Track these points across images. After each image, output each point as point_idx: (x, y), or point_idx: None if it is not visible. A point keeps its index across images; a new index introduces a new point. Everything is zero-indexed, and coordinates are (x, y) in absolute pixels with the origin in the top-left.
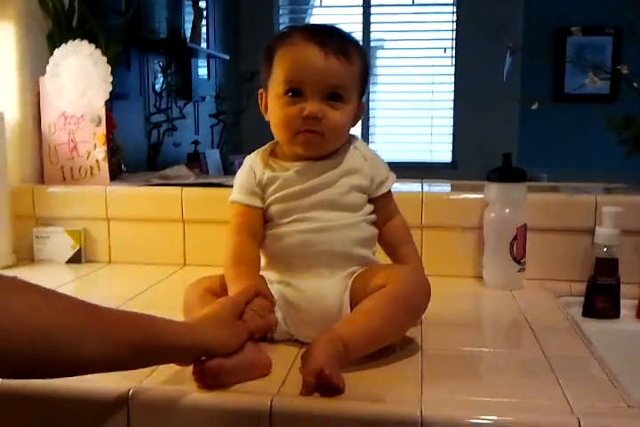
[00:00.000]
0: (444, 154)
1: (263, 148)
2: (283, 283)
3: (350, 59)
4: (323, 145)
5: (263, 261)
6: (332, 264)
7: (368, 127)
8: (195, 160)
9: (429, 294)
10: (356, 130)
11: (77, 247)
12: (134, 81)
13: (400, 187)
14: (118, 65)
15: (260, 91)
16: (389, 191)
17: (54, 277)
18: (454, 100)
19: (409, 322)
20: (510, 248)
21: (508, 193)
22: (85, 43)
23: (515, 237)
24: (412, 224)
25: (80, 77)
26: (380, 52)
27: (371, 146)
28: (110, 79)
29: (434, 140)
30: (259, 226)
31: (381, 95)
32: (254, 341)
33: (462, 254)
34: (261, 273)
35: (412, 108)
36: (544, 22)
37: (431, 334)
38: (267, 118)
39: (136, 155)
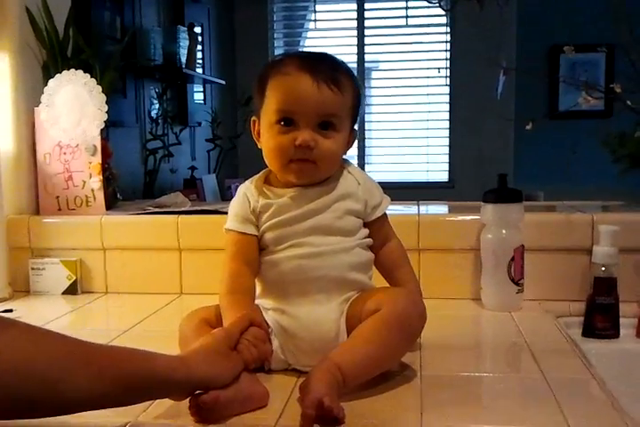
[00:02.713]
0: (440, 173)
1: (257, 175)
2: (278, 310)
3: (342, 87)
4: (315, 173)
5: (259, 288)
6: (327, 290)
7: (364, 148)
8: (191, 186)
9: (425, 317)
10: (352, 151)
11: (73, 278)
12: (130, 108)
13: (396, 209)
14: (114, 92)
15: (253, 118)
16: (384, 215)
17: (50, 309)
18: (450, 119)
19: (405, 346)
20: (508, 269)
21: (505, 214)
22: (80, 72)
23: (512, 259)
24: (409, 246)
25: (75, 107)
26: (374, 74)
27: (367, 167)
28: (105, 108)
29: (430, 160)
30: (254, 254)
31: (377, 116)
32: (250, 371)
33: (460, 276)
34: (257, 302)
35: (408, 129)
36: (537, 40)
37: (430, 359)
38: (259, 145)
39: (133, 182)
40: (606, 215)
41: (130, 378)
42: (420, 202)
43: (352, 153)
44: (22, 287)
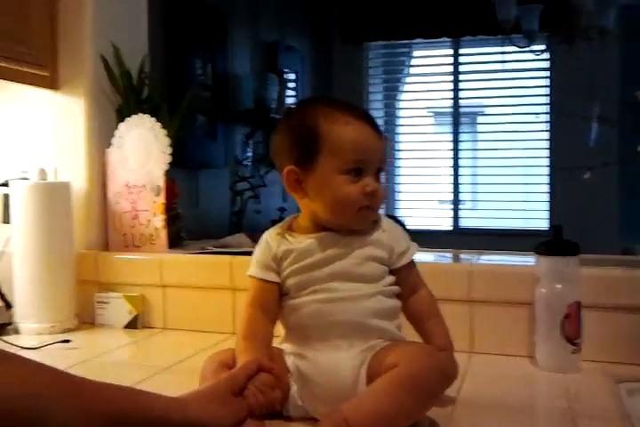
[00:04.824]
0: (539, 221)
1: (280, 223)
2: (298, 355)
3: (383, 135)
4: (372, 219)
5: (282, 333)
6: (348, 336)
7: (458, 193)
8: None
9: (450, 375)
10: (448, 196)
11: (135, 313)
12: (220, 150)
13: (448, 258)
14: (204, 136)
15: (290, 168)
16: (412, 262)
17: (108, 342)
18: (550, 165)
19: (421, 406)
20: (562, 327)
21: (559, 267)
22: (147, 116)
23: (566, 316)
24: (460, 298)
25: (141, 149)
26: (471, 118)
27: (460, 213)
28: (169, 151)
29: (529, 207)
30: (273, 301)
31: (469, 161)
32: (258, 418)
33: (515, 332)
34: (280, 346)
35: (505, 175)
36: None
37: (461, 417)
38: (297, 196)
39: (220, 221)
40: None
41: (121, 415)
42: (484, 251)
43: (447, 198)
44: (88, 319)
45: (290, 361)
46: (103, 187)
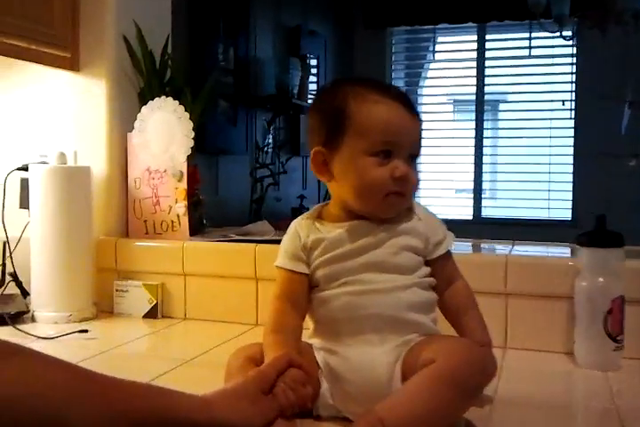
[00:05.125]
0: (563, 211)
1: (309, 211)
2: (328, 351)
3: (419, 116)
4: (404, 206)
5: (311, 327)
6: (381, 330)
7: (481, 182)
8: (298, 214)
9: (489, 372)
10: (468, 184)
11: (154, 302)
12: (241, 136)
13: (486, 248)
14: (225, 121)
15: (318, 149)
16: (448, 252)
17: (127, 332)
18: (574, 154)
19: (460, 405)
20: (604, 323)
21: (602, 260)
22: (170, 99)
23: (609, 311)
24: (495, 291)
25: (164, 133)
26: (495, 106)
27: (484, 202)
28: (192, 135)
29: (552, 197)
30: (302, 293)
31: (495, 149)
32: (289, 418)
33: (552, 327)
34: (309, 341)
35: (529, 163)
36: None
37: (501, 417)
38: (323, 178)
39: (240, 208)
40: None
41: (144, 414)
42: (517, 242)
43: (468, 186)
44: (107, 308)
45: (320, 357)
46: (124, 172)
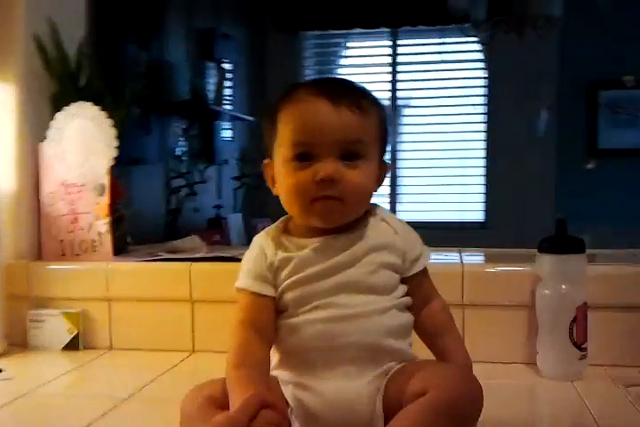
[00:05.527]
0: (474, 213)
1: (274, 224)
2: (299, 385)
3: (365, 110)
4: (343, 213)
5: (275, 357)
6: (359, 361)
7: (394, 187)
8: (216, 225)
9: (481, 401)
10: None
11: (75, 332)
12: (154, 144)
13: (434, 258)
14: (137, 129)
15: (266, 161)
16: (425, 269)
17: (47, 368)
18: (486, 157)
19: None
20: (570, 332)
21: (565, 266)
22: (88, 105)
23: (574, 319)
24: (451, 301)
25: (82, 142)
26: (407, 111)
27: (398, 206)
28: (115, 144)
29: (464, 200)
30: (268, 319)
31: (409, 154)
32: None
33: (511, 337)
34: (273, 373)
35: (441, 167)
36: (577, 75)
37: None
38: (274, 192)
39: (154, 221)
40: None
41: None
42: (461, 249)
43: (381, 191)
44: (19, 341)
45: (288, 392)
46: (35, 186)
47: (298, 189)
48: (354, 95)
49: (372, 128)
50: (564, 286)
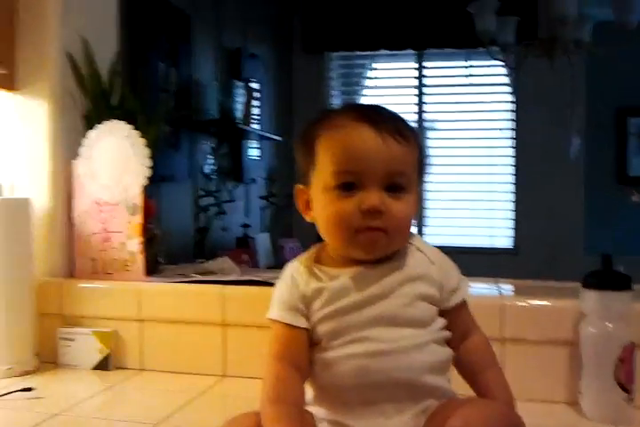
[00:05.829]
0: (503, 239)
1: (307, 253)
2: (335, 424)
3: (408, 140)
4: (387, 245)
5: (310, 393)
6: (397, 399)
7: (421, 210)
8: (244, 245)
9: None
10: None
11: (106, 352)
12: (183, 162)
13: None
14: (167, 146)
15: (299, 187)
16: (464, 301)
17: (76, 388)
18: (515, 182)
19: None
20: (615, 372)
21: (610, 303)
22: (122, 123)
23: (620, 359)
24: (490, 336)
25: (116, 161)
26: (433, 133)
27: (424, 229)
28: (148, 164)
29: (493, 225)
30: (303, 352)
31: (436, 177)
32: None
33: (552, 374)
34: (308, 408)
35: (469, 191)
36: (606, 101)
37: None
38: (308, 218)
39: (183, 240)
40: None
41: None
42: (499, 279)
43: None
44: (50, 358)
45: None
46: (68, 204)
47: (341, 218)
48: (396, 123)
49: (413, 158)
50: (610, 324)
